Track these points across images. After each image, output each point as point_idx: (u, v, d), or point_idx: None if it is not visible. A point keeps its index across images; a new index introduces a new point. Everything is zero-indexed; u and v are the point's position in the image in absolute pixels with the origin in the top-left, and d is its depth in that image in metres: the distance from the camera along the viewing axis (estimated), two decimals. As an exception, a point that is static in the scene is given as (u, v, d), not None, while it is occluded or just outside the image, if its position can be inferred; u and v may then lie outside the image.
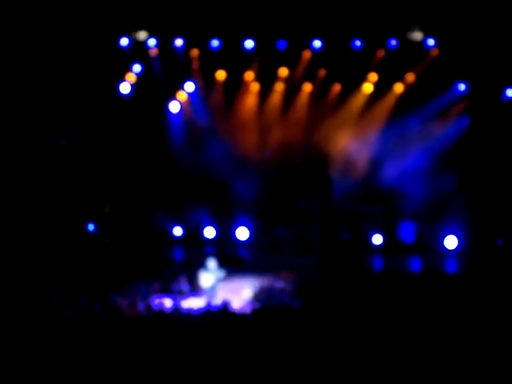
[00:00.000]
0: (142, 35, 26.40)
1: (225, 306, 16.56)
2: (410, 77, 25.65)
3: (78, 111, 25.64)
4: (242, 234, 26.34)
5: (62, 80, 25.03)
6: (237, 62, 26.21)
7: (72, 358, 12.32)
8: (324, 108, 26.52)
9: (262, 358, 12.24)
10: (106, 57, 25.54)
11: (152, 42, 26.48)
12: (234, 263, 22.99)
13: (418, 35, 24.88)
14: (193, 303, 17.64)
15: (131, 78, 26.61)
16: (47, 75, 24.76)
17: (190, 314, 15.72)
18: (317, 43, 26.05)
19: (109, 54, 25.71)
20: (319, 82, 26.49)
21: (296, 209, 26.89)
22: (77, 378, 11.65)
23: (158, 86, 26.62)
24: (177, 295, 18.67)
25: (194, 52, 26.44)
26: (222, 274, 18.31)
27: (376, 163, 25.50)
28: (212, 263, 18.24)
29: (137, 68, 26.68)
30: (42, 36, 24.21)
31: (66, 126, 25.80)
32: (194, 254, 24.64)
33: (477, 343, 12.84)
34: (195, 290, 19.31)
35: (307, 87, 26.65)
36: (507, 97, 24.56)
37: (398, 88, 25.92)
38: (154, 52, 26.59)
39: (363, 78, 26.14)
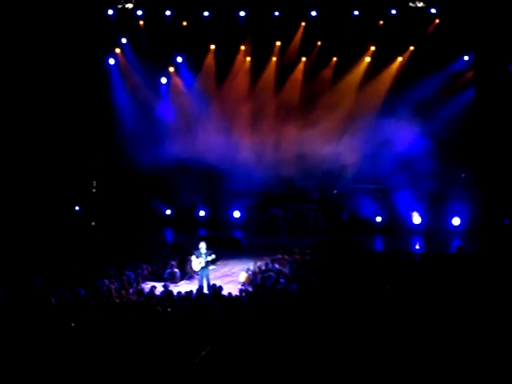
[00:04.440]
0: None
1: (217, 290, 15.91)
2: (411, 49, 24.72)
3: (64, 84, 24.96)
4: (236, 214, 25.68)
5: (48, 53, 24.26)
6: (228, 34, 25.24)
7: (57, 348, 11.80)
8: (320, 83, 25.58)
9: (257, 344, 11.79)
10: (94, 28, 24.80)
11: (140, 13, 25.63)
12: (229, 243, 22.62)
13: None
14: (184, 288, 16.96)
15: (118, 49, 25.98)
16: (34, 48, 23.98)
17: (181, 299, 15.13)
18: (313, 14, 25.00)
19: (96, 24, 24.95)
20: (315, 56, 25.57)
21: (292, 188, 26.28)
22: (62, 368, 11.17)
23: (147, 58, 25.85)
24: (167, 280, 18.00)
25: (184, 24, 25.50)
26: (214, 257, 17.62)
27: (374, 144, 24.61)
28: (203, 246, 17.54)
29: (124, 40, 26.00)
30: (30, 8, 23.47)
31: (53, 101, 25.01)
32: (186, 235, 24.02)
33: (484, 323, 12.51)
34: (186, 274, 18.76)
35: (302, 61, 25.72)
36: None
37: (398, 62, 25.01)
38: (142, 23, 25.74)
39: (361, 52, 25.16)
